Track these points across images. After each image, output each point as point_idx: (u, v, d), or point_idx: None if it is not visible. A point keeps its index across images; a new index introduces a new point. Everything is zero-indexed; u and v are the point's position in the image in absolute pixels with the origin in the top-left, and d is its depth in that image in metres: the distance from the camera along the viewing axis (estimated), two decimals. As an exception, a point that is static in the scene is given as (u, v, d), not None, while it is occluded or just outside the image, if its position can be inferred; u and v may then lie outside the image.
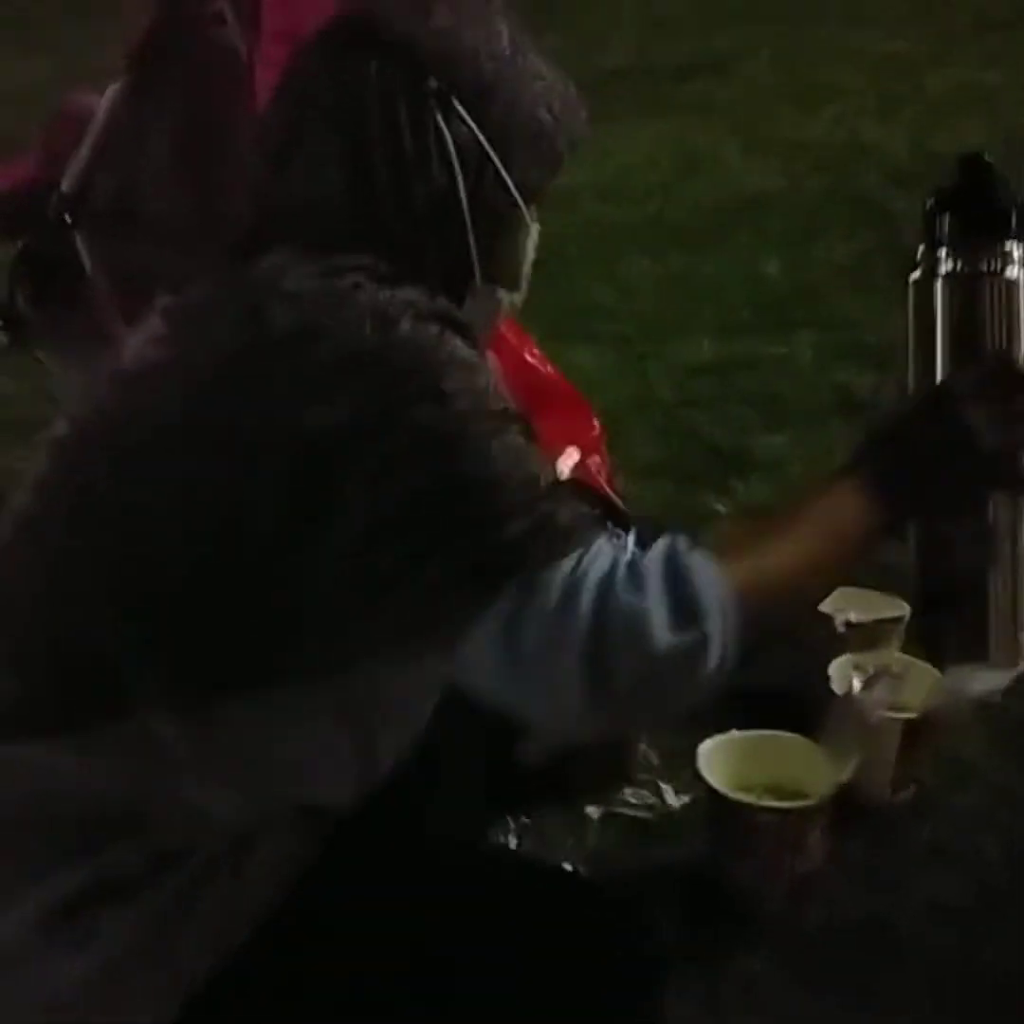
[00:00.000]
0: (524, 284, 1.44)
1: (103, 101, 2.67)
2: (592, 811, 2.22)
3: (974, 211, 1.24)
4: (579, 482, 2.50)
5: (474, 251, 1.34)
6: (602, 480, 2.64)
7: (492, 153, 1.33)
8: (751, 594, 1.18)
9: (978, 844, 2.23)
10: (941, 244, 1.25)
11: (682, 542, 1.18)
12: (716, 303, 4.21)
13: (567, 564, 1.16)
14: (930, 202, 1.27)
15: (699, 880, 2.10)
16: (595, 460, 2.64)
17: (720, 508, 3.15)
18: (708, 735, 2.14)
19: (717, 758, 2.12)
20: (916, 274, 1.27)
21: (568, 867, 2.09)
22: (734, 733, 2.15)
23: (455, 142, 1.31)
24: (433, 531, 1.18)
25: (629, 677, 1.14)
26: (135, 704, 1.25)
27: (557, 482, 1.22)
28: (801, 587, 1.24)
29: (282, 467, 1.20)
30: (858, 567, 1.29)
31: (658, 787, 2.29)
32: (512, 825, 2.04)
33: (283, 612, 1.23)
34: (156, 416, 1.28)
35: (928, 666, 2.23)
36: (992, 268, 1.24)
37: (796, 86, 5.95)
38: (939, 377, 1.25)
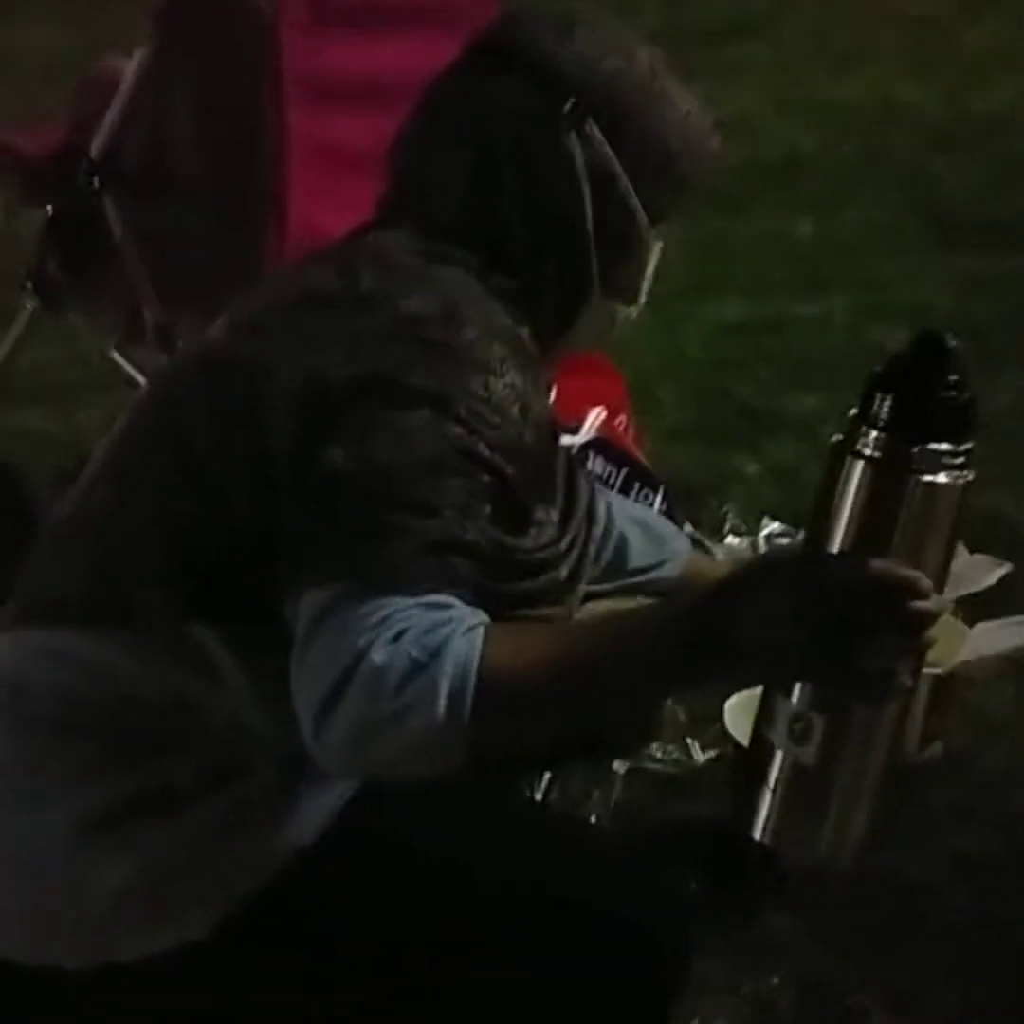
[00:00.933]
0: (642, 298, 1.47)
1: (129, 66, 2.67)
2: (618, 766, 2.22)
3: (917, 402, 1.13)
4: (606, 441, 2.54)
5: (594, 266, 1.39)
6: (628, 440, 2.64)
7: (621, 175, 1.38)
8: (517, 681, 1.17)
9: (1005, 802, 2.23)
10: (873, 424, 1.14)
11: (463, 617, 1.18)
12: (748, 264, 4.18)
13: (397, 603, 1.17)
14: (876, 372, 1.15)
15: (724, 836, 2.10)
16: (621, 420, 2.64)
17: (751, 469, 3.15)
18: (735, 691, 2.14)
19: (744, 714, 2.11)
20: (839, 437, 1.17)
21: (593, 821, 2.10)
22: (761, 689, 2.15)
23: (586, 163, 1.36)
24: (342, 503, 1.21)
25: (345, 726, 1.16)
26: (173, 611, 1.29)
27: (499, 553, 1.23)
28: (588, 688, 1.19)
29: (295, 404, 1.25)
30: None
31: (684, 742, 2.29)
32: (537, 778, 2.04)
33: (259, 541, 1.26)
34: (230, 342, 1.35)
35: (955, 621, 2.22)
36: (919, 467, 1.13)
37: (829, 47, 5.88)
38: (832, 547, 1.15)
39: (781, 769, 1.19)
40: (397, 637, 1.15)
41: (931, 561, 1.15)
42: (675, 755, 2.28)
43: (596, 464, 2.45)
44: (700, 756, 2.28)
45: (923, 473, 1.14)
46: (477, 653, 1.15)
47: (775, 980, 1.97)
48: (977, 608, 2.27)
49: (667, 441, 3.19)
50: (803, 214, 4.45)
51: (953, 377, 1.14)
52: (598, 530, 1.50)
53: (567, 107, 1.36)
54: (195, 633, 1.29)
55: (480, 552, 1.22)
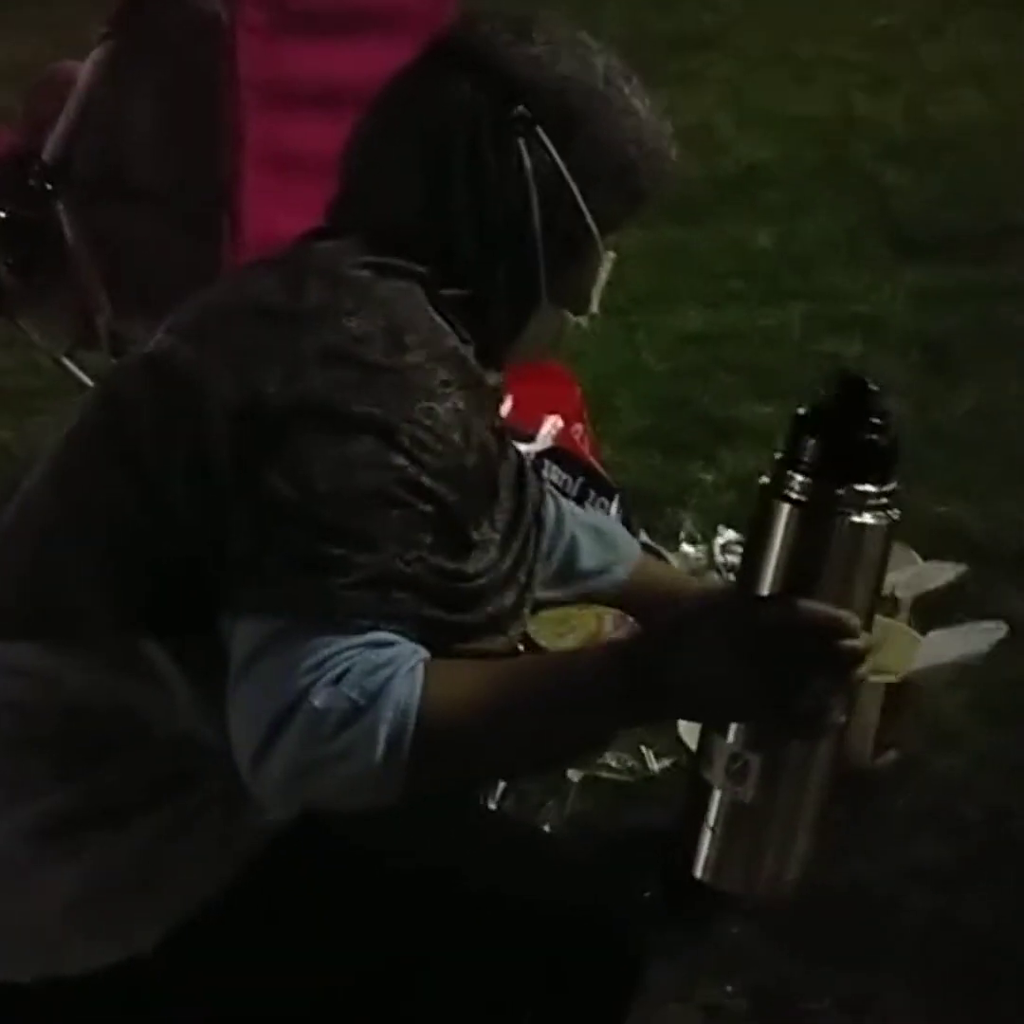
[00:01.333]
0: (593, 308, 1.46)
1: (84, 69, 2.66)
2: (572, 774, 2.22)
3: (841, 444, 1.15)
4: (562, 450, 2.54)
5: (542, 274, 1.37)
6: (584, 449, 2.64)
7: (572, 183, 1.36)
8: (456, 723, 1.18)
9: (958, 808, 2.24)
10: (799, 467, 1.16)
11: (404, 657, 1.18)
12: (706, 274, 4.20)
13: (338, 643, 1.17)
14: (799, 413, 1.17)
15: (679, 844, 2.10)
16: (578, 429, 2.65)
17: (707, 478, 3.15)
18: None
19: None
20: (766, 480, 1.18)
21: (547, 830, 2.10)
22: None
23: (535, 170, 1.34)
24: (282, 532, 1.20)
25: (282, 766, 1.16)
26: (117, 623, 1.28)
27: (443, 584, 1.23)
28: (527, 730, 1.20)
29: (234, 420, 1.24)
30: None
31: (639, 751, 2.29)
32: (492, 787, 2.04)
33: (205, 551, 1.25)
34: (173, 348, 1.32)
35: (909, 629, 2.23)
36: (845, 509, 1.15)
37: (790, 59, 5.91)
38: (762, 589, 1.17)
39: (719, 808, 1.20)
40: (337, 679, 1.15)
41: (859, 600, 1.17)
42: (630, 764, 2.28)
43: (552, 473, 2.46)
44: (655, 765, 2.28)
45: (849, 514, 1.15)
46: (417, 696, 1.16)
47: (729, 988, 1.96)
48: (932, 613, 2.29)
49: (624, 450, 3.19)
50: (762, 225, 4.47)
51: (876, 419, 1.16)
52: (546, 535, 1.49)
53: (516, 112, 1.34)
54: (141, 644, 1.28)
55: (421, 585, 1.22)
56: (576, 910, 1.40)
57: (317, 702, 1.15)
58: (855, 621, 1.14)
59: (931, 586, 2.31)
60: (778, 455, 1.18)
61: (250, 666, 1.19)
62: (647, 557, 1.75)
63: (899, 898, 2.09)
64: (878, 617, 2.15)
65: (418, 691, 1.16)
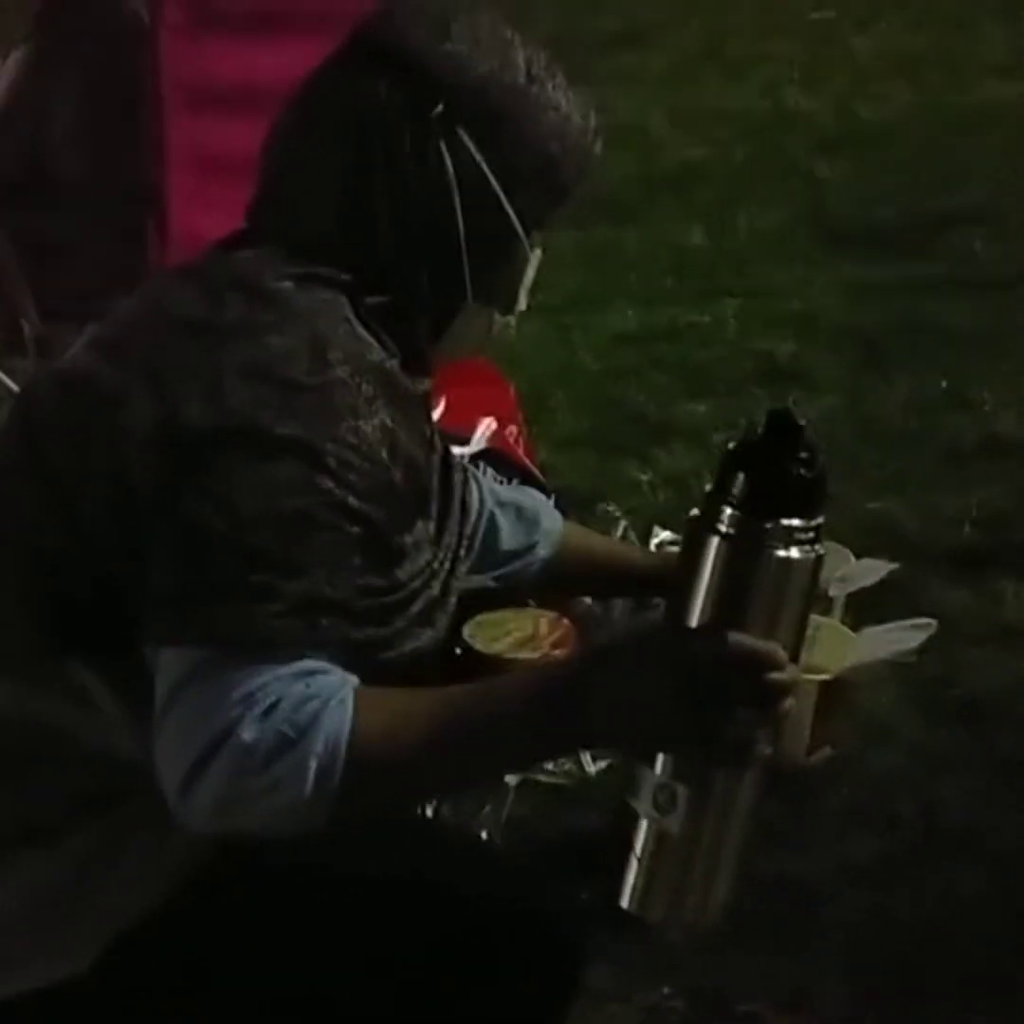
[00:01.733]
0: (521, 306, 1.44)
1: (5, 68, 2.63)
2: (509, 778, 2.21)
3: (769, 480, 1.17)
4: (497, 451, 2.53)
5: (467, 275, 1.35)
6: (519, 450, 2.64)
7: (494, 183, 1.33)
8: (386, 754, 1.17)
9: (892, 804, 2.25)
10: (728, 501, 1.17)
11: (333, 688, 1.17)
12: (640, 273, 4.21)
13: (266, 674, 1.15)
14: (729, 449, 1.19)
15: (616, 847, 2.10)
16: (512, 430, 2.64)
17: (643, 477, 3.16)
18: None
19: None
20: (696, 512, 1.20)
21: (484, 835, 2.09)
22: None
23: (456, 170, 1.32)
24: (205, 559, 1.18)
25: (210, 797, 1.15)
26: (40, 643, 1.26)
27: (374, 605, 1.23)
28: (457, 759, 1.20)
29: (153, 441, 1.22)
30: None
31: (576, 754, 2.29)
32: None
33: (128, 573, 1.23)
34: (90, 363, 1.30)
35: (841, 627, 2.24)
36: (772, 543, 1.17)
37: (722, 55, 5.95)
38: (691, 620, 1.18)
39: (646, 838, 1.20)
40: (266, 712, 1.14)
41: (785, 633, 1.18)
42: (567, 766, 2.27)
43: (487, 475, 2.45)
44: (592, 768, 2.27)
45: (776, 548, 1.17)
46: (347, 728, 1.15)
47: (666, 989, 1.96)
48: (864, 610, 2.30)
49: (559, 450, 3.20)
50: (695, 223, 4.48)
51: (804, 454, 1.17)
52: (471, 520, 1.49)
53: (436, 113, 1.32)
54: (65, 664, 1.26)
55: (350, 608, 1.20)
56: (516, 913, 1.39)
57: (246, 736, 1.14)
58: (782, 654, 1.15)
59: (864, 583, 2.31)
60: (709, 488, 1.19)
61: (177, 696, 1.17)
62: (572, 527, 1.74)
63: (835, 895, 2.10)
64: (811, 616, 2.15)
65: (348, 723, 1.15)
